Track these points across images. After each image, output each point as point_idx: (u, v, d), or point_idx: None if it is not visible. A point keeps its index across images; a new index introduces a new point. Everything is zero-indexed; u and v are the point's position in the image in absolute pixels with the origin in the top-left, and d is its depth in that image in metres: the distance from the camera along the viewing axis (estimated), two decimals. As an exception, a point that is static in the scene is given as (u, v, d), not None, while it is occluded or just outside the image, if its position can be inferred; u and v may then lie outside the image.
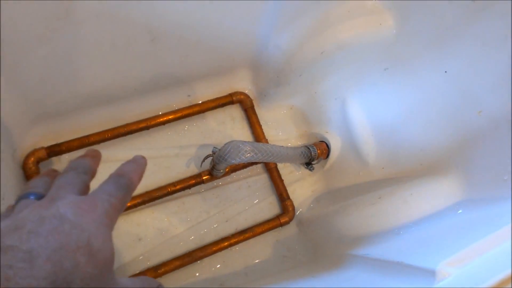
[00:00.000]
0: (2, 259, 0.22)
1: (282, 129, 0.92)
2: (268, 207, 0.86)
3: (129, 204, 0.77)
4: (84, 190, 0.32)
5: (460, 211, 0.60)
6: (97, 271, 0.25)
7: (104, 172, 0.81)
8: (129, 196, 0.32)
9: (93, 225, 0.27)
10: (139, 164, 0.34)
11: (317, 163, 0.85)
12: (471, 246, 0.46)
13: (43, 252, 0.23)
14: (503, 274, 0.40)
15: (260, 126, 0.89)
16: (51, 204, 0.27)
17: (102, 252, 0.26)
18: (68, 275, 0.23)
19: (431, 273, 0.44)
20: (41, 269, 0.23)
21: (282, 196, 0.85)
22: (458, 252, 0.45)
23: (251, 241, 0.82)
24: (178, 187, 0.80)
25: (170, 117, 0.83)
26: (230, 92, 0.89)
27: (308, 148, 0.81)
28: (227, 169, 0.81)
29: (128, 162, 0.34)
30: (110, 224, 0.29)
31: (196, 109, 0.85)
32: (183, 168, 0.84)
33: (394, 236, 0.61)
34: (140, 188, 0.80)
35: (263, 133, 0.88)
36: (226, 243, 0.79)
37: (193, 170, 0.84)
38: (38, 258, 0.23)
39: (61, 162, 0.78)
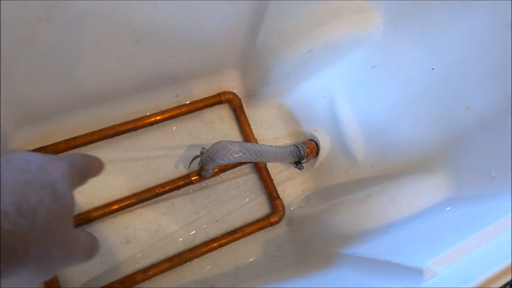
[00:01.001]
0: None
1: (271, 128, 0.91)
2: (258, 207, 0.86)
3: (116, 206, 0.76)
4: None
5: (448, 208, 0.60)
6: (60, 212, 0.27)
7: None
8: (89, 172, 0.34)
9: (58, 172, 0.29)
10: (98, 159, 0.37)
11: (306, 161, 0.85)
12: (459, 244, 0.46)
13: (9, 184, 0.24)
14: (491, 272, 0.40)
15: (249, 125, 0.88)
16: (16, 151, 0.29)
17: (65, 197, 0.28)
18: (33, 207, 0.25)
19: (418, 272, 0.44)
20: (7, 196, 0.24)
21: (272, 195, 0.85)
22: (445, 250, 0.45)
23: (241, 241, 0.81)
24: (166, 188, 0.79)
25: (158, 117, 0.82)
26: (218, 91, 0.88)
27: (297, 147, 0.81)
28: (216, 170, 0.80)
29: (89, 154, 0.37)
30: (72, 179, 0.31)
31: (184, 109, 0.84)
32: (171, 169, 0.83)
33: (383, 234, 0.61)
34: (128, 190, 0.79)
35: (252, 133, 0.88)
36: (215, 244, 0.78)
37: (181, 171, 0.83)
38: (4, 188, 0.24)
39: (47, 165, 0.77)
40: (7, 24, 0.53)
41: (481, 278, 0.39)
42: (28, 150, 0.32)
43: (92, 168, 0.35)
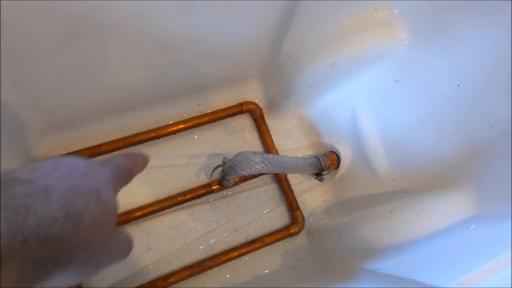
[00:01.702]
0: (20, 189, 0.24)
1: (292, 139, 0.91)
2: (278, 217, 0.86)
3: (139, 213, 0.77)
4: None
5: (473, 226, 0.59)
6: (104, 217, 0.28)
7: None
8: (132, 173, 0.35)
9: (102, 178, 0.29)
10: (144, 155, 0.38)
11: (327, 173, 0.85)
12: (485, 265, 0.45)
13: (57, 190, 0.25)
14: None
15: (270, 135, 0.89)
16: (64, 156, 0.30)
17: (109, 202, 0.29)
18: (79, 212, 0.25)
19: (444, 293, 0.44)
20: (56, 202, 0.24)
21: (292, 206, 0.85)
22: (471, 271, 0.45)
23: (261, 251, 0.81)
24: (188, 196, 0.80)
25: (181, 126, 0.84)
26: (240, 101, 0.89)
27: (318, 159, 0.81)
28: (237, 179, 0.81)
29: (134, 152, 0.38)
30: (116, 185, 0.31)
31: (206, 118, 0.85)
32: (193, 178, 0.84)
33: (406, 251, 0.61)
34: (150, 197, 0.81)
35: (273, 143, 0.88)
36: (235, 253, 0.79)
37: (203, 179, 0.84)
38: (53, 194, 0.25)
39: (73, 171, 0.78)
40: (39, 36, 0.55)
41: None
42: (73, 155, 0.32)
43: (136, 168, 0.36)
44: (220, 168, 0.76)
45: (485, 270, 0.45)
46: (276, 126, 0.91)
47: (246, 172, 0.69)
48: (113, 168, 0.32)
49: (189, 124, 0.84)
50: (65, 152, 0.78)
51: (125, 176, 0.34)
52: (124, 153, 0.36)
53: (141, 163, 0.37)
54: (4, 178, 0.24)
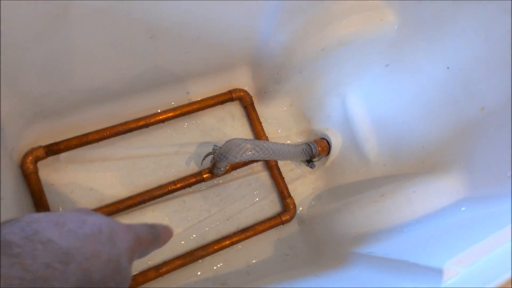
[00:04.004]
0: (43, 254, 0.22)
1: (282, 126, 0.91)
2: (269, 205, 0.86)
3: (129, 203, 0.76)
4: None
5: (463, 208, 0.60)
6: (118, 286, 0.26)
7: (101, 170, 0.79)
8: (154, 246, 0.33)
9: (124, 244, 0.28)
10: (169, 230, 0.36)
11: (318, 160, 0.85)
12: (478, 244, 0.46)
13: (77, 257, 0.23)
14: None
15: (260, 123, 0.88)
16: (91, 212, 0.28)
17: (126, 272, 0.27)
18: (94, 285, 0.24)
19: (438, 272, 0.44)
20: (73, 275, 0.23)
21: (283, 194, 0.85)
22: (464, 250, 0.45)
23: (253, 239, 0.81)
24: (178, 185, 0.79)
25: (169, 114, 0.82)
26: (229, 89, 0.88)
27: (309, 145, 0.81)
28: (227, 167, 0.80)
29: (162, 224, 0.36)
30: (134, 253, 0.30)
31: (195, 106, 0.84)
32: (183, 166, 0.83)
33: (398, 234, 0.61)
34: (140, 187, 0.79)
35: (263, 130, 0.87)
36: (227, 242, 0.79)
37: (193, 168, 0.83)
38: (72, 262, 0.23)
39: (60, 161, 0.77)
40: (24, 20, 0.53)
41: (502, 279, 0.39)
42: (98, 213, 0.30)
43: (158, 242, 0.34)
44: (211, 156, 0.75)
45: (477, 249, 0.45)
46: (266, 113, 0.90)
47: (237, 159, 0.68)
48: (136, 236, 0.30)
49: (178, 112, 0.83)
50: (52, 141, 0.76)
51: (143, 249, 0.32)
52: (149, 223, 0.34)
53: (164, 237, 0.35)
54: (29, 230, 0.23)
